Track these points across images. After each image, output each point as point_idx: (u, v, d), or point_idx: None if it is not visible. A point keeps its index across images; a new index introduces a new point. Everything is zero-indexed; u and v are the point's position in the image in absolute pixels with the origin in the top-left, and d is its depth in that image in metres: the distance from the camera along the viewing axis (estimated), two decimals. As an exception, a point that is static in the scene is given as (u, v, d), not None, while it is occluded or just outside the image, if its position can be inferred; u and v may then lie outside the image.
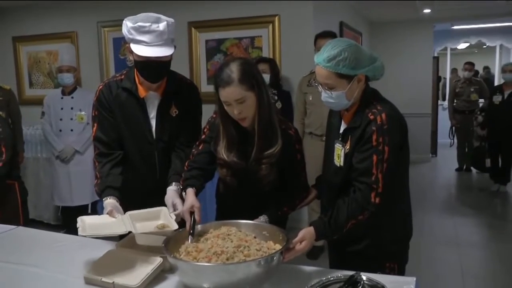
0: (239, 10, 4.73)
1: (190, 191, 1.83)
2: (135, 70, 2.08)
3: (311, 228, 1.67)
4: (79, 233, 1.65)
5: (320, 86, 1.76)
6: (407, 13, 7.26)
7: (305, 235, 1.64)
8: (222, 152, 1.87)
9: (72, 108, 4.36)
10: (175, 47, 2.02)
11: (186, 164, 1.98)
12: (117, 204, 1.92)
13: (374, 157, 1.66)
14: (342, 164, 1.79)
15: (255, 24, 4.69)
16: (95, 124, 2.14)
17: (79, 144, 4.36)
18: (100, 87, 2.15)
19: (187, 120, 2.17)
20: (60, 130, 4.37)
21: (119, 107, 2.11)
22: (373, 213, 1.69)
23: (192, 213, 1.72)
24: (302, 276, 1.64)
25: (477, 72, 9.27)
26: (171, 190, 1.97)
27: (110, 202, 1.92)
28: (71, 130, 4.37)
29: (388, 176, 1.67)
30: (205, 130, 2.02)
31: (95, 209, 4.59)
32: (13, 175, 3.05)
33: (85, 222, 1.75)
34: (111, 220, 1.79)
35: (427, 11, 7.09)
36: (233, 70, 1.74)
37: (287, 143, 1.86)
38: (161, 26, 1.93)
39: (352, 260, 1.82)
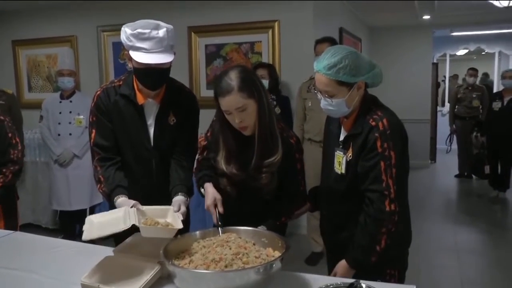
0: (239, 15, 4.74)
1: (209, 185, 1.87)
2: (134, 76, 2.07)
3: (343, 261, 1.76)
4: (83, 238, 1.62)
5: (319, 94, 1.76)
6: (406, 19, 7.29)
7: (336, 270, 1.77)
8: (222, 163, 1.87)
9: (70, 112, 4.36)
10: (174, 53, 2.01)
11: (194, 170, 2.02)
12: (130, 201, 1.89)
13: (382, 164, 1.66)
14: (343, 171, 1.78)
15: (255, 29, 4.70)
16: (93, 130, 2.12)
17: (77, 148, 4.36)
18: (98, 92, 2.12)
19: (185, 129, 2.16)
20: (59, 134, 4.36)
21: (117, 114, 2.09)
22: (393, 219, 1.68)
23: (215, 206, 1.79)
24: (301, 283, 1.62)
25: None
26: (179, 200, 1.95)
27: (123, 200, 1.90)
28: (70, 134, 4.36)
29: (398, 181, 1.67)
30: (208, 134, 2.02)
31: (93, 213, 4.57)
32: None
33: (92, 223, 1.73)
34: (118, 215, 1.77)
35: (426, 17, 7.12)
36: (233, 78, 1.74)
37: (288, 152, 1.86)
38: (161, 32, 1.91)
39: (359, 270, 1.80)
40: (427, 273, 3.79)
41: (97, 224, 1.73)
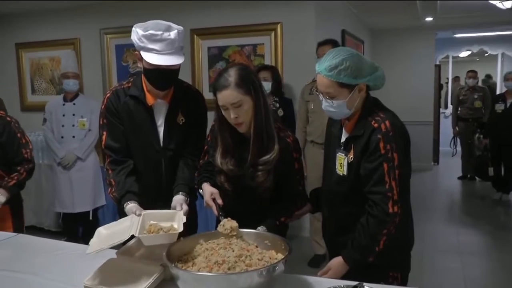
0: (241, 18, 4.75)
1: (205, 184, 1.93)
2: (143, 77, 2.09)
3: (339, 257, 1.76)
4: (87, 252, 1.65)
5: (321, 95, 1.76)
6: (409, 20, 7.29)
7: (330, 265, 1.75)
8: (218, 159, 1.89)
9: (74, 115, 4.37)
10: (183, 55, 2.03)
11: (196, 174, 2.05)
12: (139, 208, 1.92)
13: (385, 165, 1.67)
14: (345, 173, 1.78)
15: (257, 31, 4.71)
16: (104, 133, 2.14)
17: (80, 150, 4.37)
18: (108, 95, 2.15)
19: (194, 128, 2.18)
20: (62, 137, 4.38)
21: (127, 115, 2.11)
22: (395, 222, 1.68)
23: (214, 199, 1.84)
24: (304, 285, 1.62)
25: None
26: (179, 200, 1.98)
27: (133, 206, 1.93)
28: (73, 136, 4.38)
29: (401, 182, 1.68)
30: (208, 139, 2.05)
31: (96, 216, 4.59)
32: None
33: (101, 235, 1.76)
34: (124, 225, 1.78)
35: (429, 19, 7.11)
36: (231, 74, 1.78)
37: (285, 151, 1.87)
38: (172, 34, 1.93)
39: (354, 269, 1.81)
40: (430, 276, 3.77)
41: (104, 237, 1.75)
